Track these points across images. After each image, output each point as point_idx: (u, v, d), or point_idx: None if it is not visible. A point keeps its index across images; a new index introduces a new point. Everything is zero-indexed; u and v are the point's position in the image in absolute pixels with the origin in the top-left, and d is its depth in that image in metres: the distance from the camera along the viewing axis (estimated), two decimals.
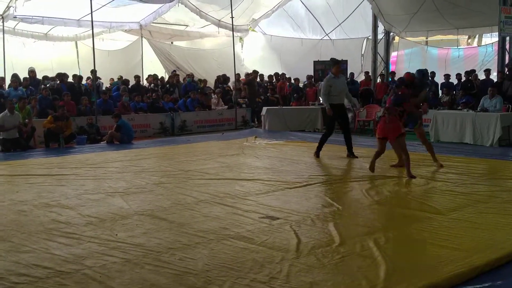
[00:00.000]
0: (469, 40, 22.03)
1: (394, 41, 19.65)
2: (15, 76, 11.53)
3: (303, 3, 21.28)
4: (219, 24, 20.68)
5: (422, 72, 9.09)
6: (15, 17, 16.45)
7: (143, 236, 4.96)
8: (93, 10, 14.22)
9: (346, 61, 16.73)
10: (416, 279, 3.81)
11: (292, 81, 18.89)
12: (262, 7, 21.11)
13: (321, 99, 10.51)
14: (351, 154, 10.01)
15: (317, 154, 10.03)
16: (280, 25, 22.74)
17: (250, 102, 18.04)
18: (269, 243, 4.71)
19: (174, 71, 19.60)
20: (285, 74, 19.71)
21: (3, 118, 11.80)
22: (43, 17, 17.17)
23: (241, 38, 23.37)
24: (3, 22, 15.81)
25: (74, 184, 7.68)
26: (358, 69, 20.11)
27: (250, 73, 19.11)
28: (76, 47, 20.24)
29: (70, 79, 15.89)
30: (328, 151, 10.42)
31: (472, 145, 11.88)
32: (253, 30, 23.19)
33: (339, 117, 10.11)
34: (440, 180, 7.60)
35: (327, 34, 21.68)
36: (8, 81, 14.78)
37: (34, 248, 4.65)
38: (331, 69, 10.25)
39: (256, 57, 23.37)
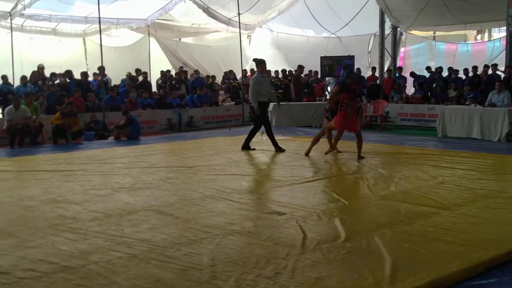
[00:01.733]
0: (478, 36, 21.88)
1: (401, 37, 19.56)
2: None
3: (306, 3, 21.21)
4: (228, 22, 20.67)
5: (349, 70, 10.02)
6: (23, 14, 16.54)
7: (149, 232, 4.97)
8: (101, 8, 14.21)
9: (353, 56, 16.67)
10: (422, 275, 3.79)
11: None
12: (272, 7, 21.06)
13: (250, 98, 10.77)
14: (278, 149, 10.26)
15: (245, 147, 10.41)
16: (286, 22, 22.67)
17: (297, 99, 17.21)
18: (274, 238, 4.71)
19: (181, 67, 19.62)
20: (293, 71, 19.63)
21: (9, 113, 11.89)
22: (50, 15, 17.25)
23: (248, 35, 23.34)
24: (11, 19, 15.89)
25: (81, 179, 7.71)
26: (365, 65, 20.03)
27: (296, 69, 18.48)
28: (84, 44, 20.32)
29: (76, 76, 15.92)
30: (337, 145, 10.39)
31: (479, 140, 11.84)
32: (259, 27, 23.15)
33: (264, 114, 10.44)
34: (447, 175, 7.55)
35: (333, 33, 21.60)
36: (16, 78, 14.85)
37: (40, 243, 4.67)
38: (257, 68, 10.49)
39: (262, 54, 23.31)
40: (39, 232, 5.00)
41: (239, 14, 18.20)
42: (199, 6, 19.16)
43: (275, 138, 10.47)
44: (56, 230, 5.07)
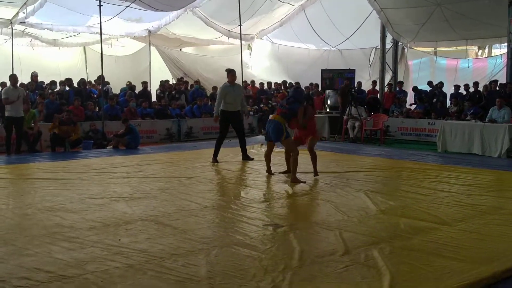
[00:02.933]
0: (479, 52, 21.96)
1: (404, 51, 19.64)
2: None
3: (306, 16, 21.30)
4: (229, 34, 20.77)
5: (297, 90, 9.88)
6: (24, 23, 16.60)
7: (146, 242, 4.93)
8: (102, 22, 14.25)
9: (354, 70, 16.70)
10: None
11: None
12: (271, 18, 21.16)
13: (215, 106, 10.92)
14: (245, 157, 10.69)
15: (214, 159, 10.43)
16: (287, 35, 22.77)
17: (342, 112, 16.34)
18: (272, 251, 4.67)
19: (182, 77, 19.64)
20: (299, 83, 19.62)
21: (6, 91, 11.94)
22: (52, 24, 17.31)
23: (249, 46, 23.41)
24: (12, 27, 15.93)
25: (79, 188, 7.67)
26: (366, 78, 20.07)
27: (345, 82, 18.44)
28: (84, 52, 20.38)
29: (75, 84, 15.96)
30: (337, 159, 10.38)
31: (480, 156, 11.81)
32: (260, 39, 23.24)
33: (234, 122, 10.64)
34: (446, 191, 7.53)
35: (334, 47, 21.69)
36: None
37: (36, 251, 4.63)
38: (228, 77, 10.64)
39: (263, 65, 23.43)
40: (36, 241, 4.96)
41: (240, 25, 18.26)
42: (201, 18, 19.25)
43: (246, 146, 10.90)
44: (52, 238, 5.03)
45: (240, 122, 10.90)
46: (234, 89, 10.51)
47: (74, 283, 3.89)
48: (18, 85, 12.34)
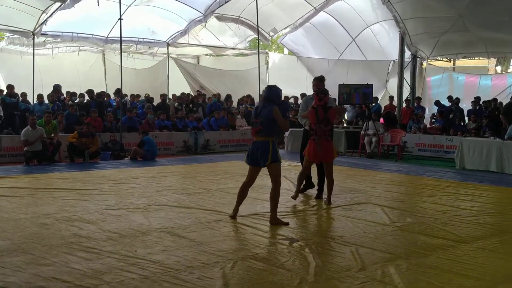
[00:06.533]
0: (498, 67, 21.80)
1: (422, 67, 19.59)
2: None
3: (317, 29, 21.35)
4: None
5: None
6: (46, 33, 16.87)
7: (162, 254, 4.95)
8: (122, 12, 14.38)
9: (371, 85, 16.64)
10: None
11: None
12: (285, 19, 21.22)
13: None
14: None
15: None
16: (304, 44, 22.82)
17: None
18: (288, 265, 4.66)
19: (199, 91, 19.77)
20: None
21: (26, 134, 11.98)
22: (72, 33, 17.60)
23: (266, 58, 23.42)
24: (33, 38, 16.20)
25: (96, 199, 7.73)
26: (382, 91, 20.08)
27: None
28: (104, 64, 20.62)
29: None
30: (354, 174, 10.33)
31: (498, 173, 11.68)
32: (279, 50, 23.23)
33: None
34: (465, 208, 7.46)
35: (354, 60, 21.73)
36: (35, 96, 15.08)
37: (54, 261, 4.67)
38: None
39: (280, 78, 23.47)
40: (53, 250, 5.01)
41: (258, 38, 18.37)
42: (219, 19, 19.42)
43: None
44: (70, 248, 5.08)
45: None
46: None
47: None
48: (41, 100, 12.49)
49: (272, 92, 6.38)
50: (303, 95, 19.87)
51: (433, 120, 17.45)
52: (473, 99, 16.29)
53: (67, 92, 16.29)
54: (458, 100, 16.77)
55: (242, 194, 6.73)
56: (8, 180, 9.48)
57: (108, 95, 17.46)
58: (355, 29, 20.93)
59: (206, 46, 22.13)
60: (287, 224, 6.29)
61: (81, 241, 5.34)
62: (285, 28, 21.88)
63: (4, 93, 14.61)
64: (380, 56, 20.96)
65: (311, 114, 7.60)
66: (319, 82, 8.14)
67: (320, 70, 21.09)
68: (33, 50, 16.26)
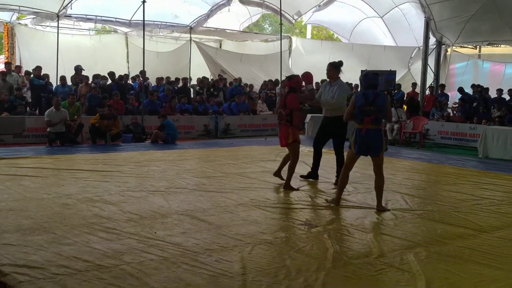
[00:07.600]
0: None
1: (446, 53, 19.28)
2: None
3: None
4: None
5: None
6: (70, 16, 16.97)
7: (182, 236, 4.99)
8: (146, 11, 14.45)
9: (395, 71, 16.45)
10: None
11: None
12: (309, 1, 21.02)
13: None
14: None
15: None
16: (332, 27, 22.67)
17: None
18: (306, 251, 4.67)
19: (220, 75, 19.76)
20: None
21: (49, 114, 12.12)
22: (96, 16, 17.68)
23: (290, 42, 23.25)
24: (58, 21, 16.31)
25: (117, 180, 7.82)
26: (405, 77, 19.87)
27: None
28: (127, 47, 20.69)
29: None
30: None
31: None
32: (301, 35, 23.05)
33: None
34: (486, 198, 7.37)
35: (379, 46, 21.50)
36: (58, 79, 15.21)
37: (75, 241, 4.75)
38: None
39: (304, 63, 23.29)
40: (75, 230, 5.09)
41: (281, 25, 18.22)
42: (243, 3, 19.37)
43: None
44: (91, 229, 5.15)
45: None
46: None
47: (110, 273, 3.98)
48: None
49: (376, 78, 6.56)
50: (323, 80, 19.76)
51: (454, 106, 17.26)
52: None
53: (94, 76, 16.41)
54: (482, 88, 16.49)
55: (345, 182, 6.71)
56: (31, 160, 9.62)
57: (132, 78, 17.56)
58: (382, 9, 20.69)
59: (229, 30, 22.04)
60: (388, 209, 6.36)
61: (102, 222, 5.41)
62: (309, 9, 21.64)
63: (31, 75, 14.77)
64: (409, 36, 20.68)
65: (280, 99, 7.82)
66: (331, 68, 8.15)
67: (341, 55, 20.95)
68: (57, 32, 16.36)
